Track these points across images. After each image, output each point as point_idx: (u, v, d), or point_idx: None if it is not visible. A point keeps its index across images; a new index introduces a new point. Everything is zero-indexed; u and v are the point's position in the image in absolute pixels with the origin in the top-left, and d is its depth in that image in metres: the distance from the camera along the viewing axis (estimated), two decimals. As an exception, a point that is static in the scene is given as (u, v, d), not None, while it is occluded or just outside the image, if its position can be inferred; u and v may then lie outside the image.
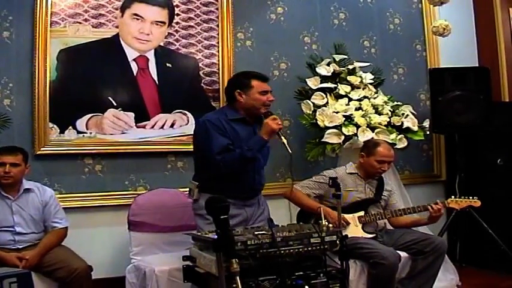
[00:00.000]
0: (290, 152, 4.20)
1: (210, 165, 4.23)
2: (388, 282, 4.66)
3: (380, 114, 5.79)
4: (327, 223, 3.71)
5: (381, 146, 5.16)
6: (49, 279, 4.44)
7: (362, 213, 5.01)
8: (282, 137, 4.25)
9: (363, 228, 4.99)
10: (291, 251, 3.49)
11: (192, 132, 4.71)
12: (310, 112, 5.80)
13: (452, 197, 5.11)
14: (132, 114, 5.56)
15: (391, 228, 5.26)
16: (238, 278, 2.85)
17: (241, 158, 4.18)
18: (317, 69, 5.95)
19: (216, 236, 2.94)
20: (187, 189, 4.57)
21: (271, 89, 4.46)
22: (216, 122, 4.29)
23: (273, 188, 5.79)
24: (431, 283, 4.89)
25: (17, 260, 4.30)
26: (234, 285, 2.90)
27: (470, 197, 5.06)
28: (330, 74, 5.93)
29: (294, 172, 6.08)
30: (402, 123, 5.88)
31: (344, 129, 5.62)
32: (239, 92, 4.39)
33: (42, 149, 5.22)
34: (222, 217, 2.88)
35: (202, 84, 5.85)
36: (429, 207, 4.91)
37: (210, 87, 5.88)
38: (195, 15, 5.84)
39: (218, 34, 5.92)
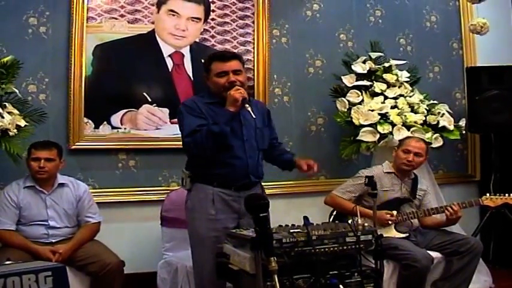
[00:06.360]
0: (254, 117, 3.92)
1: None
2: (418, 284, 4.63)
3: (416, 112, 5.74)
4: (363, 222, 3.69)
5: (411, 138, 5.19)
6: (81, 273, 4.47)
7: (394, 212, 4.95)
8: (247, 105, 3.85)
9: (395, 227, 4.95)
10: (326, 249, 3.47)
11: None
12: (345, 110, 5.77)
13: (487, 194, 5.05)
14: (166, 110, 5.58)
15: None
16: (276, 276, 2.84)
17: (208, 133, 3.80)
18: (353, 67, 5.91)
19: (253, 234, 2.93)
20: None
21: (236, 68, 4.01)
22: (190, 104, 4.04)
23: (305, 185, 5.79)
24: (466, 284, 4.83)
25: (50, 254, 4.34)
26: (269, 283, 2.89)
27: (506, 194, 4.99)
28: (365, 71, 5.88)
29: (329, 170, 6.15)
30: (438, 122, 5.83)
31: (379, 128, 5.59)
32: (205, 76, 4.11)
33: (76, 143, 5.26)
34: (261, 215, 2.86)
35: (237, 81, 5.83)
36: (446, 210, 4.88)
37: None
38: (230, 12, 5.84)
39: (254, 31, 5.90)
